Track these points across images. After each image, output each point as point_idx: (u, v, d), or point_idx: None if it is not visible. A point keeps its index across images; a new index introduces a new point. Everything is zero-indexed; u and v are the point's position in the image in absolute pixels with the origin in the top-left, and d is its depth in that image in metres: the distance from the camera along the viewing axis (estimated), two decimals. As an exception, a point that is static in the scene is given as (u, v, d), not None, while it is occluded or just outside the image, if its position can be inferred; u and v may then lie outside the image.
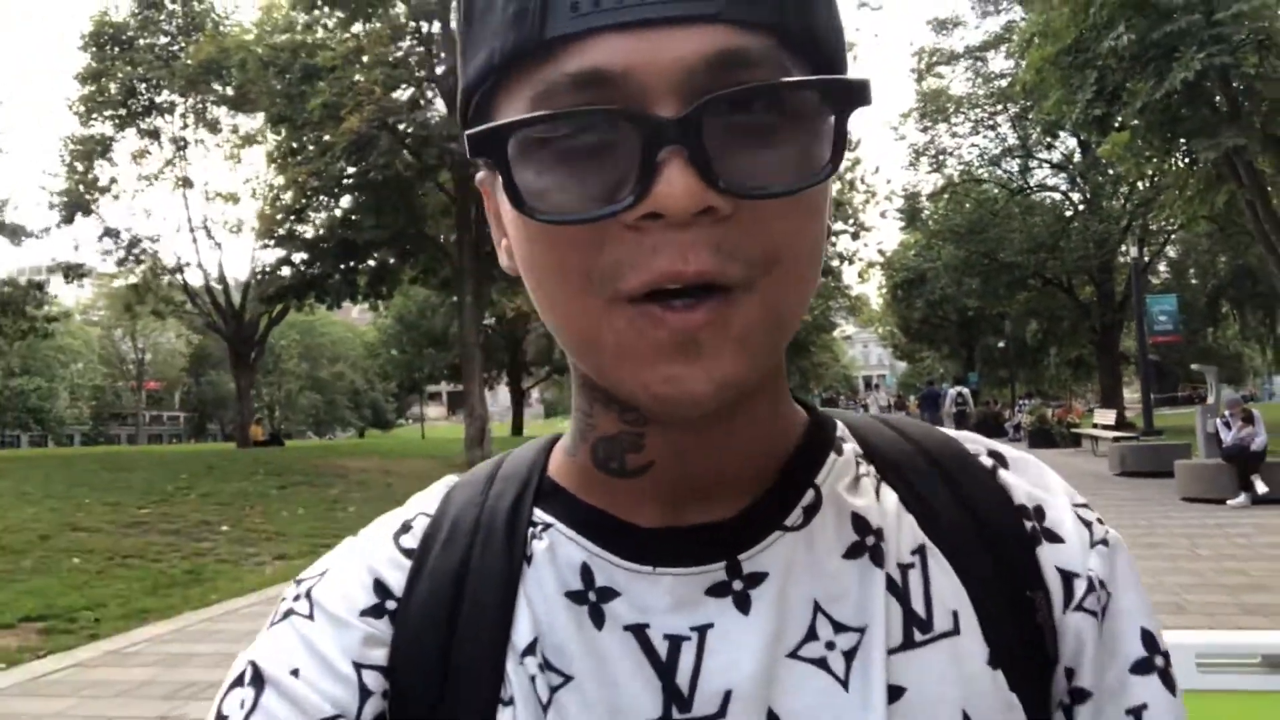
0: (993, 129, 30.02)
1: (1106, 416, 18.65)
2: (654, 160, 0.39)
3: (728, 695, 0.46)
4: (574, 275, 0.42)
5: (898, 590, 0.49)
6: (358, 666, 0.49)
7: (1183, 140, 14.20)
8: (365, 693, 0.48)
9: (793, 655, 0.47)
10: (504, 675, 0.48)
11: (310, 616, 0.51)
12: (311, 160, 16.43)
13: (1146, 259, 23.99)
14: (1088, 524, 0.53)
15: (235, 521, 10.68)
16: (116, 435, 56.03)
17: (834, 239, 37.30)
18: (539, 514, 0.52)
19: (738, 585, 0.48)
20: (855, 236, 27.81)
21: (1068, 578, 0.51)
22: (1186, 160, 15.20)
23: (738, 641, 0.47)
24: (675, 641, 0.47)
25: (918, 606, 0.49)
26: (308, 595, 0.52)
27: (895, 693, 0.46)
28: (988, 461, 0.55)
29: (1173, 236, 28.14)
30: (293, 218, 19.09)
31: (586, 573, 0.49)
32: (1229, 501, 10.08)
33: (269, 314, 23.58)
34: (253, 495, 12.77)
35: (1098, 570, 0.52)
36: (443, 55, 16.24)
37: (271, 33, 18.60)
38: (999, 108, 28.99)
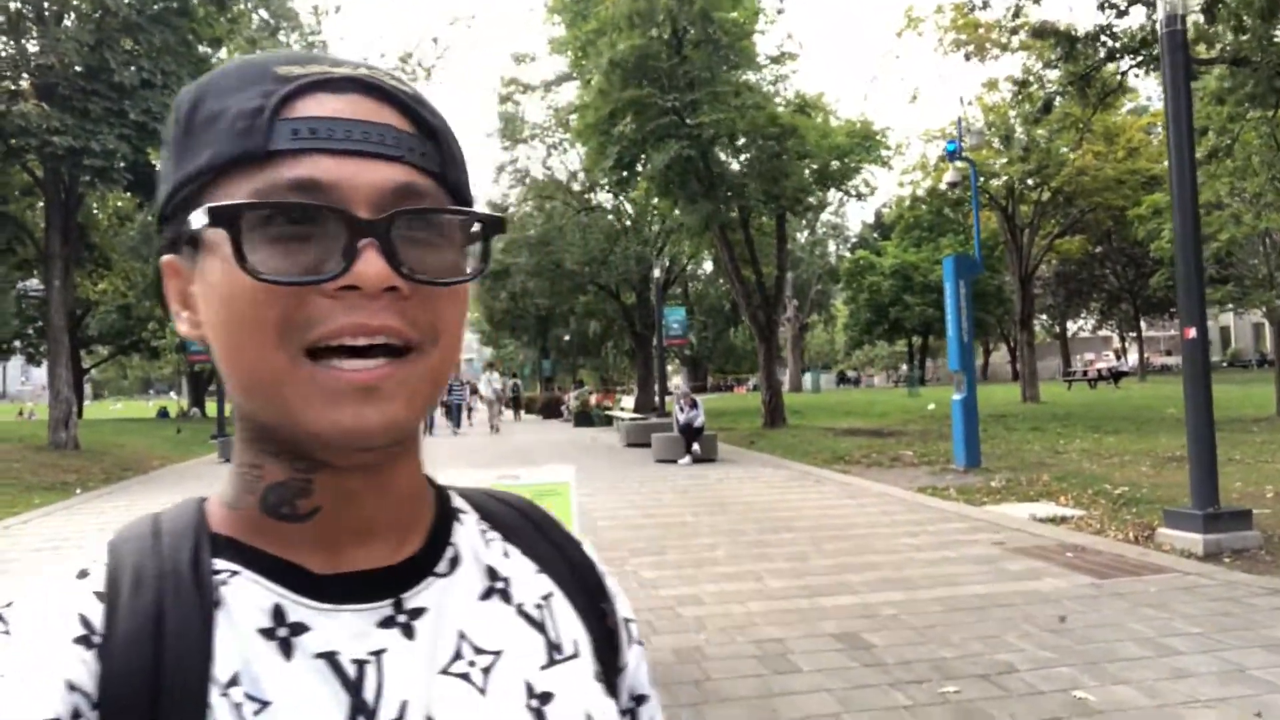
0: (564, 153, 34.84)
1: (629, 402, 23.97)
2: (355, 247, 0.52)
3: (404, 705, 0.56)
4: (272, 329, 0.52)
5: (535, 623, 0.64)
6: (71, 687, 0.50)
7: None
8: (76, 715, 0.49)
9: (444, 672, 0.58)
10: (209, 705, 0.51)
11: (8, 634, 0.51)
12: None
13: (666, 279, 30.10)
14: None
15: None
16: None
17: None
18: (219, 563, 0.57)
19: (402, 618, 0.58)
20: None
21: (627, 622, 0.72)
22: (682, 213, 20.57)
23: (408, 663, 0.57)
24: (360, 665, 0.55)
25: (553, 636, 0.64)
26: None
27: (547, 697, 0.61)
28: (577, 536, 0.75)
29: (690, 260, 35.03)
30: None
31: (278, 612, 0.55)
32: (679, 461, 14.96)
33: None
34: None
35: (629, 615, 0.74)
36: (36, 51, 16.53)
37: None
38: (568, 136, 33.69)
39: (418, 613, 0.59)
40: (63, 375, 18.47)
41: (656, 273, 24.16)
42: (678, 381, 17.70)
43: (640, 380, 33.11)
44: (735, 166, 20.18)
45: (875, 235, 58.32)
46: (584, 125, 19.11)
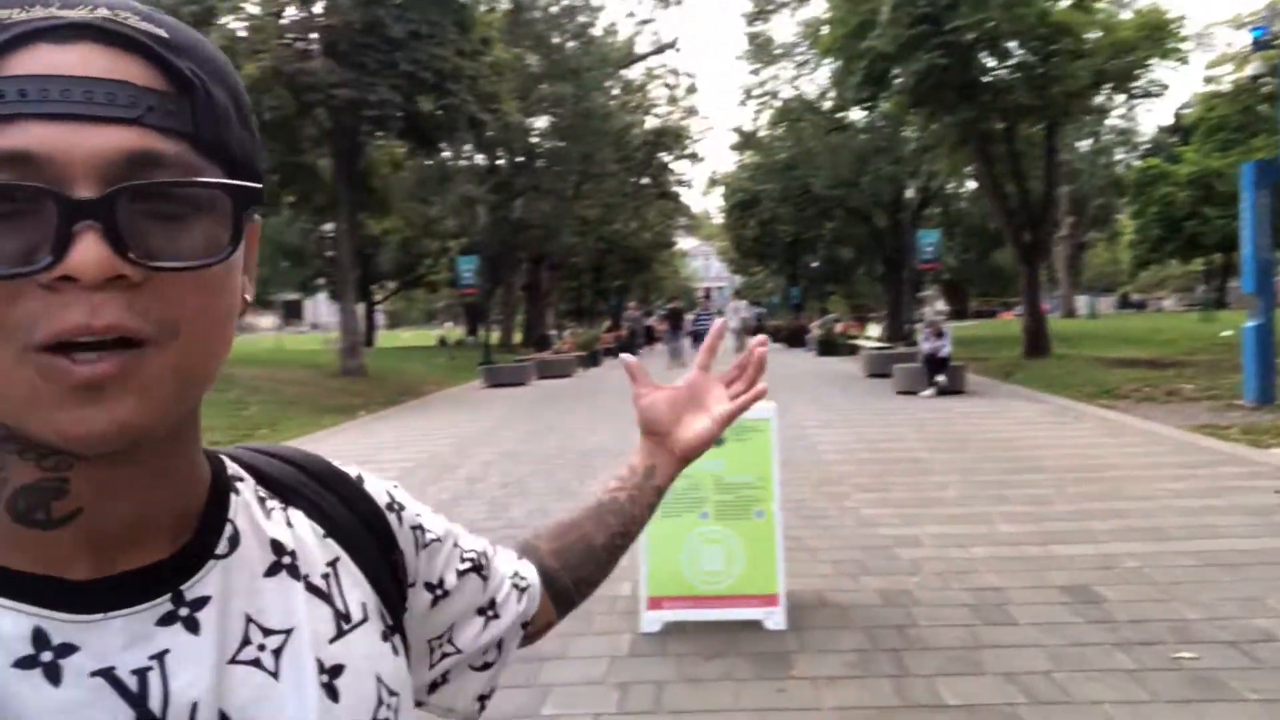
0: (813, 70, 33.64)
1: (874, 331, 23.16)
2: (70, 231, 0.44)
3: (194, 706, 0.52)
4: None
5: (323, 595, 0.62)
6: None
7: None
8: None
9: (233, 661, 0.55)
10: None
11: None
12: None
13: (921, 200, 28.51)
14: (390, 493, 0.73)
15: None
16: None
17: (671, 166, 40.50)
18: None
19: (184, 611, 0.54)
20: (692, 162, 30.76)
21: (421, 529, 0.73)
22: (938, 127, 19.30)
23: (194, 659, 0.53)
24: (142, 673, 0.51)
25: (340, 606, 0.62)
26: None
27: (338, 670, 0.59)
28: (353, 472, 0.72)
29: (949, 179, 32.87)
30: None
31: (40, 636, 0.49)
32: (921, 393, 14.33)
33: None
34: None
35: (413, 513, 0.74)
36: (320, 12, 18.18)
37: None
38: (817, 51, 32.40)
39: (201, 602, 0.55)
40: (351, 310, 20.67)
41: (909, 193, 22.92)
42: (928, 309, 16.82)
43: (890, 308, 31.88)
44: (1001, 73, 18.47)
45: (1172, 140, 51.83)
46: (831, 39, 18.32)
